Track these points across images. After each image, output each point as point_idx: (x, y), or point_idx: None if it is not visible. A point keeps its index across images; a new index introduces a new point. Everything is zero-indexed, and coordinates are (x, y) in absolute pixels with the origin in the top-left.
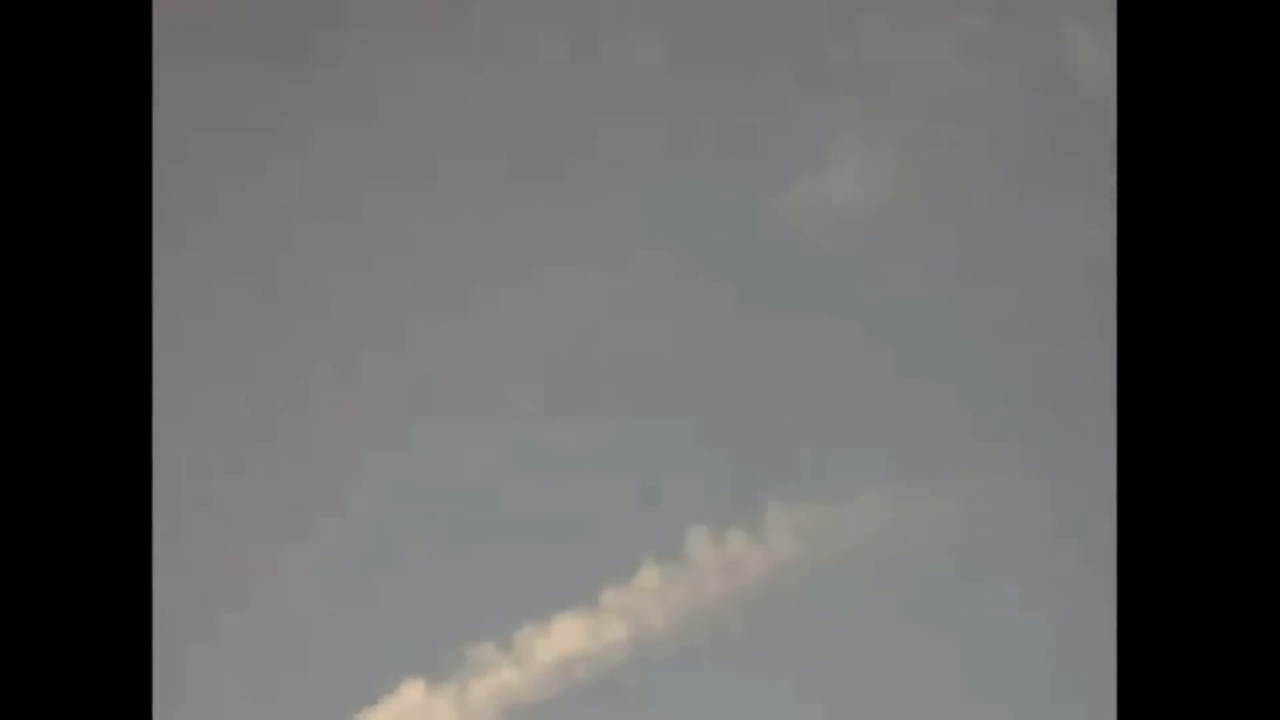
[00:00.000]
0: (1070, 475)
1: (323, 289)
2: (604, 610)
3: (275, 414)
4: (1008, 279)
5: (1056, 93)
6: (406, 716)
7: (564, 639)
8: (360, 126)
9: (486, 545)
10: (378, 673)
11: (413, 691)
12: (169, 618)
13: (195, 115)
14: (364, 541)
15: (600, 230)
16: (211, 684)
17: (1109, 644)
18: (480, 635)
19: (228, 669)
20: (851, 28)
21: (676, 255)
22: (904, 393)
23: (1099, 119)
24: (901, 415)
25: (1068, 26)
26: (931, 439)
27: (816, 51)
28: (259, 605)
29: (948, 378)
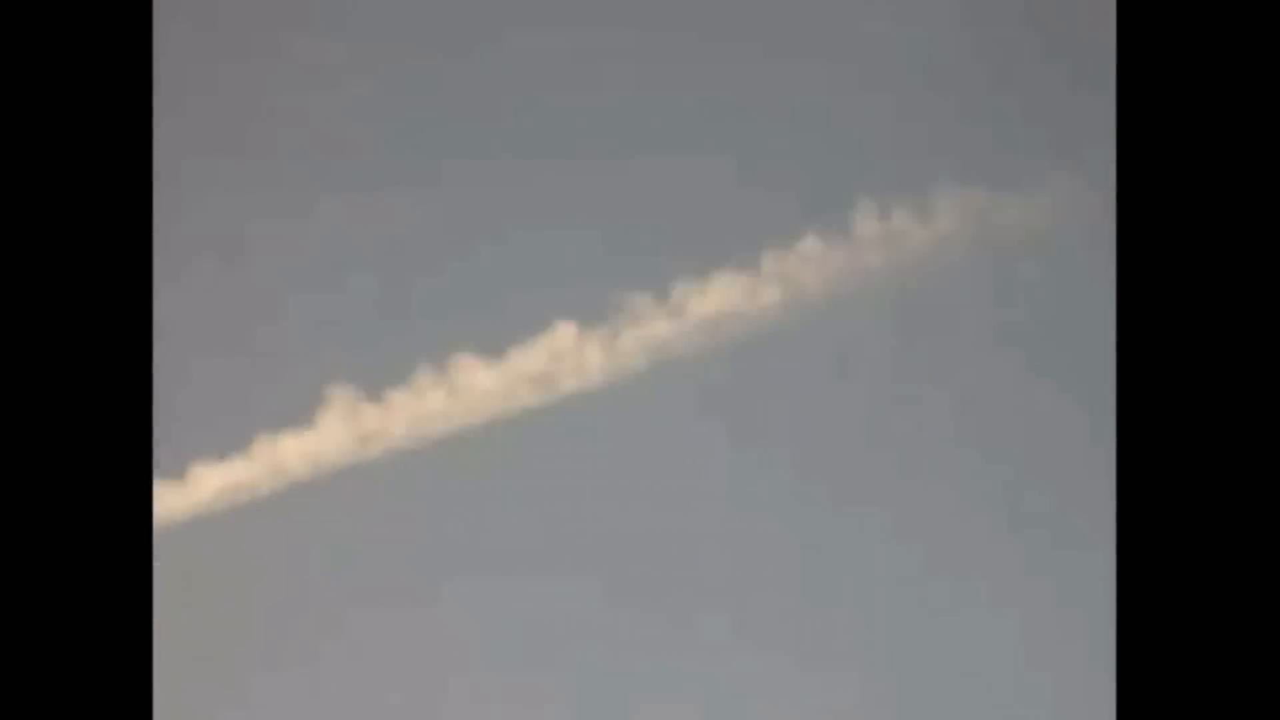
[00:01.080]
0: None
1: None
2: (762, 272)
3: None
4: None
5: None
6: (557, 355)
7: (720, 296)
8: None
9: (649, 197)
10: (532, 310)
11: (565, 332)
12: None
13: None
14: (537, 179)
15: None
16: (360, 306)
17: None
18: (638, 285)
19: (388, 296)
20: None
21: None
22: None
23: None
24: (1067, 109)
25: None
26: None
27: None
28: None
29: None
